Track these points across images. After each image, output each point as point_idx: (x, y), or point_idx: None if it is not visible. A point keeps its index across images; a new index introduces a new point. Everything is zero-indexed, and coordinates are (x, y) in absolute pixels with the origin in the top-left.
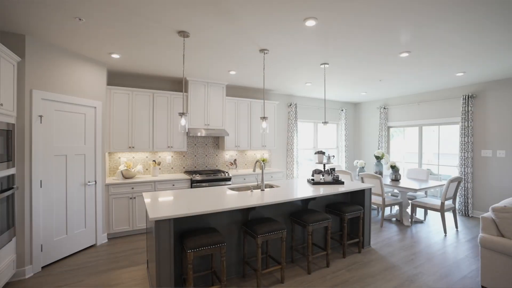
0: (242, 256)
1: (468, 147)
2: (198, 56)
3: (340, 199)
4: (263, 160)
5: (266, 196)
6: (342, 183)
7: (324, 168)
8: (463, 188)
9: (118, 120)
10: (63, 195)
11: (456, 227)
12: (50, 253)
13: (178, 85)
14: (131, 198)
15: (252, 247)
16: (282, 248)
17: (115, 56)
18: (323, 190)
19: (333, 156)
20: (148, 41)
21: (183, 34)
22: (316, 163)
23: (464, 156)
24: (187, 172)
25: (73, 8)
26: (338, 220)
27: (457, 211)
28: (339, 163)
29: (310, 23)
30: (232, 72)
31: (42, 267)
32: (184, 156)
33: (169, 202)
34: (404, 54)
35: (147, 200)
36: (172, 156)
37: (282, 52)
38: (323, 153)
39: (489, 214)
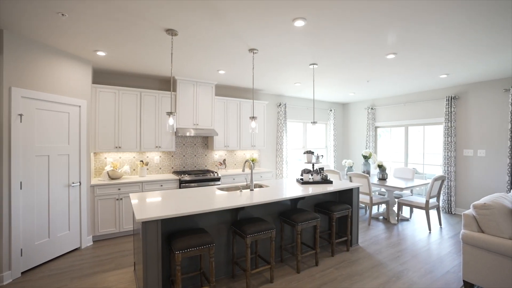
0: (231, 256)
1: (451, 146)
2: (186, 55)
3: (328, 198)
4: (252, 160)
5: (255, 196)
6: (331, 182)
7: (313, 167)
8: (447, 186)
9: (104, 119)
10: (45, 197)
11: (440, 224)
12: (30, 257)
13: (167, 84)
14: (117, 199)
15: (241, 247)
16: (271, 247)
17: (100, 53)
18: (311, 190)
19: (322, 156)
20: (135, 39)
21: (171, 32)
22: (305, 162)
23: (448, 156)
24: (175, 172)
25: (55, 2)
26: (326, 219)
27: (441, 209)
28: (327, 162)
29: (299, 23)
30: (221, 72)
31: (22, 273)
32: (172, 156)
33: (157, 203)
34: (391, 56)
35: (134, 201)
36: (160, 156)
37: (271, 52)
38: (312, 152)
39: (470, 211)
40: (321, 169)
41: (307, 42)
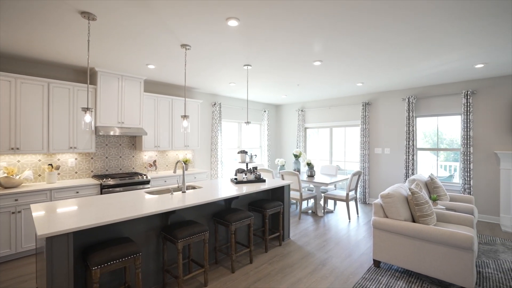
0: (162, 264)
1: (366, 146)
2: (108, 44)
3: (262, 196)
4: (185, 161)
5: (187, 198)
6: (264, 181)
7: (247, 167)
8: (363, 180)
9: None
10: None
11: (357, 213)
12: None
13: (85, 75)
14: (13, 213)
15: (172, 253)
16: (205, 250)
17: None
18: (245, 189)
19: (256, 155)
20: (40, 18)
21: (87, 15)
22: (239, 162)
23: (363, 154)
24: (96, 176)
25: None
26: (260, 217)
27: (358, 200)
28: (262, 161)
29: (233, 23)
30: (151, 66)
31: None
32: (92, 158)
33: (70, 213)
34: (317, 63)
35: (36, 213)
36: (76, 159)
37: (205, 50)
38: (246, 152)
39: (378, 200)
40: (255, 168)
41: (241, 42)
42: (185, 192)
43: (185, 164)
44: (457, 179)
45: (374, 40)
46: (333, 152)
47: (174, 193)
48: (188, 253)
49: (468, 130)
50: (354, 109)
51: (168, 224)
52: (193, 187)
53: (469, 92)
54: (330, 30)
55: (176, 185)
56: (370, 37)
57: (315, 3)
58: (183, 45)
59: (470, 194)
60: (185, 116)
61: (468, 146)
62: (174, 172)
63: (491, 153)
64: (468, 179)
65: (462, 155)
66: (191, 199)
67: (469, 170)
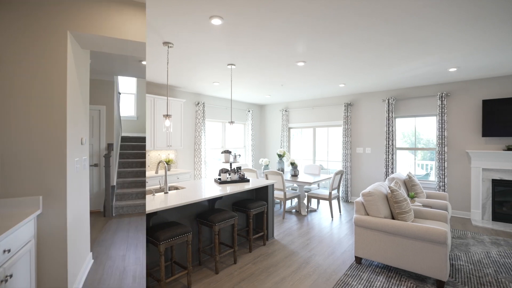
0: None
1: (348, 145)
2: None
3: (246, 196)
4: (168, 161)
5: (170, 199)
6: (248, 180)
7: (231, 167)
8: (345, 179)
9: None
10: None
11: (340, 211)
12: None
13: None
14: None
15: (154, 256)
16: (188, 252)
17: None
18: (229, 189)
19: (239, 155)
20: None
21: None
22: (223, 162)
23: (345, 153)
24: None
25: None
26: (244, 217)
27: (340, 199)
28: (246, 161)
29: (216, 21)
30: None
31: None
32: None
33: None
34: (301, 63)
35: None
36: None
37: (188, 48)
38: (230, 152)
39: (360, 198)
40: (239, 168)
41: (225, 41)
42: (167, 193)
43: (167, 164)
44: (433, 177)
45: (358, 41)
46: (316, 151)
47: (156, 194)
48: (171, 255)
49: (443, 130)
50: (336, 110)
51: (150, 226)
52: (176, 188)
53: (443, 94)
54: (314, 31)
55: (158, 186)
56: (354, 38)
57: (299, 3)
58: (166, 43)
59: (444, 191)
60: (167, 115)
61: (443, 145)
62: (156, 172)
63: (463, 152)
64: (443, 177)
65: (437, 154)
66: (174, 200)
67: (444, 169)
